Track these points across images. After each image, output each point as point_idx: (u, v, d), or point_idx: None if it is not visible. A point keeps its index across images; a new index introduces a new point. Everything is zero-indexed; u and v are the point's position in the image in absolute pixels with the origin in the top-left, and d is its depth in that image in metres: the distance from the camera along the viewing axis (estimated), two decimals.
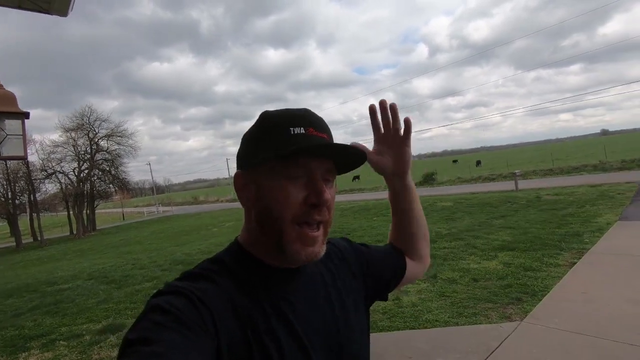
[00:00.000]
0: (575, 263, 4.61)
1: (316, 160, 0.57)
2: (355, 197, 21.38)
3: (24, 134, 1.62)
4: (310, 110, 0.61)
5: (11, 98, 1.57)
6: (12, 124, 1.56)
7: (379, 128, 0.74)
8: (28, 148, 2.22)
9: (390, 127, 0.73)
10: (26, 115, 1.64)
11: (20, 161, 22.08)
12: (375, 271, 0.76)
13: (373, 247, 0.82)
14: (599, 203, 8.88)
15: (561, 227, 6.81)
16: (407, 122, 0.72)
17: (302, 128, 0.57)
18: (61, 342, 4.00)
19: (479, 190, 15.89)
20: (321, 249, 0.59)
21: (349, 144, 0.61)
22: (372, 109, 0.72)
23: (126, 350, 0.43)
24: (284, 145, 0.56)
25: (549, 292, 3.75)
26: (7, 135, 1.54)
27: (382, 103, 0.72)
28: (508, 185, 15.87)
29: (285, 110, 0.60)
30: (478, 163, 40.69)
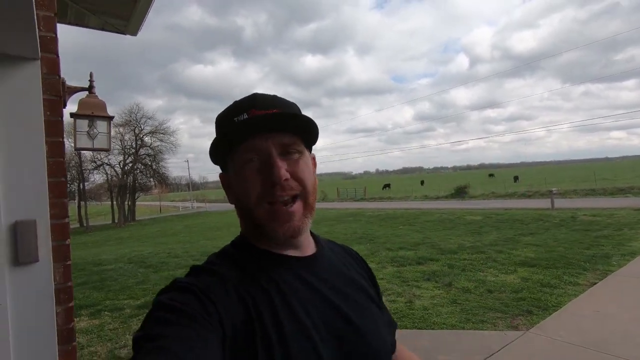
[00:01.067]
0: (595, 283, 4.58)
1: (261, 138, 0.56)
2: (384, 205, 21.43)
3: (109, 132, 2.13)
4: (258, 93, 0.60)
5: (102, 105, 2.09)
6: (101, 124, 2.06)
7: None
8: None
9: None
10: (111, 118, 2.16)
11: (74, 152, 24.11)
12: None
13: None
14: (639, 227, 8.49)
15: (591, 248, 6.64)
16: None
17: (244, 114, 0.57)
18: (106, 312, 4.54)
19: (513, 207, 15.43)
20: (302, 223, 0.58)
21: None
22: None
23: (134, 349, 0.45)
24: (229, 136, 0.57)
25: (561, 307, 3.81)
26: (98, 132, 2.04)
27: None
28: (544, 203, 15.32)
29: (232, 103, 0.61)
30: (516, 179, 39.25)
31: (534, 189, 23.44)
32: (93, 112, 2.06)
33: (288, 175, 0.56)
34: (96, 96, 2.18)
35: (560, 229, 9.10)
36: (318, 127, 0.61)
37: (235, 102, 0.60)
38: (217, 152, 0.61)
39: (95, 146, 2.15)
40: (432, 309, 4.01)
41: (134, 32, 2.37)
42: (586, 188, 20.93)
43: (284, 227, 0.56)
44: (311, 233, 0.67)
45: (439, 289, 4.73)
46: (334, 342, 0.54)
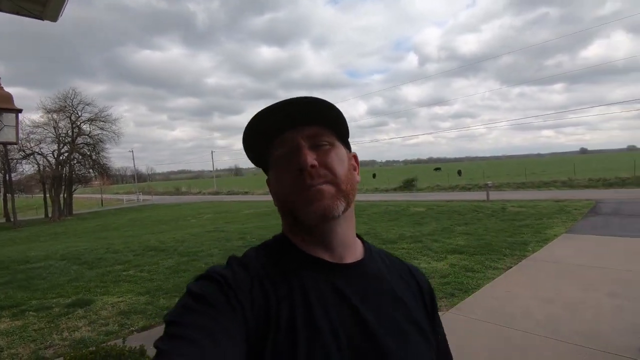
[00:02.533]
0: (511, 267, 5.13)
1: (291, 132, 0.59)
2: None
3: (16, 125, 2.00)
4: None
5: (8, 97, 1.96)
6: (8, 117, 1.93)
7: None
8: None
9: None
10: (19, 110, 2.04)
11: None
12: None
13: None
14: (555, 217, 9.48)
15: (513, 236, 7.36)
16: None
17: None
18: (31, 312, 4.26)
19: (454, 199, 16.53)
20: (334, 204, 0.57)
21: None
22: None
23: (165, 329, 0.47)
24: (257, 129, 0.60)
25: (479, 289, 4.24)
26: (4, 125, 1.92)
27: None
28: (481, 195, 16.53)
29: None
30: (459, 172, 41.78)
31: (473, 182, 25.21)
32: None
33: (315, 162, 0.56)
34: (2, 88, 2.03)
35: (491, 219, 9.94)
36: (346, 119, 0.62)
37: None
38: (254, 153, 0.63)
39: (1, 140, 2.02)
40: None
41: (53, 18, 2.24)
42: (518, 182, 22.90)
43: (315, 205, 0.55)
44: (362, 241, 0.66)
45: None
46: (350, 356, 0.52)
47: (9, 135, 2.01)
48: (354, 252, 0.62)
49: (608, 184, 18.33)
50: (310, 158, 0.56)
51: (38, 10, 2.11)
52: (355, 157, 0.67)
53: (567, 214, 9.85)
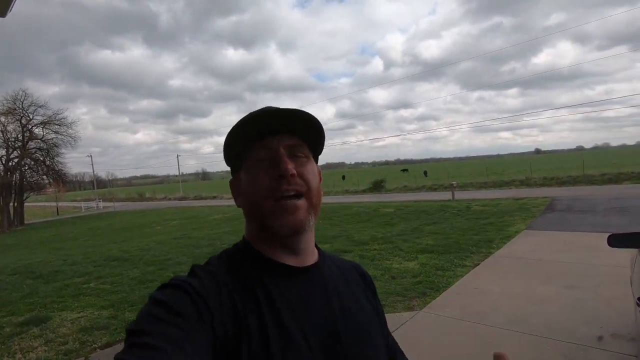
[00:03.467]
0: (478, 264, 5.33)
1: (272, 139, 0.60)
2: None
3: None
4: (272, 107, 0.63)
5: None
6: None
7: None
8: None
9: None
10: None
11: None
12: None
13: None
14: (516, 214, 9.97)
15: (479, 234, 7.66)
16: None
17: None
18: None
19: (421, 199, 16.97)
20: (306, 219, 0.59)
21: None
22: None
23: (125, 341, 0.46)
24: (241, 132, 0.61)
25: (449, 287, 4.36)
26: None
27: None
28: (447, 195, 17.08)
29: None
30: (425, 173, 43.04)
31: (439, 183, 26.06)
32: None
33: (294, 171, 0.58)
34: None
35: (457, 218, 10.30)
36: (324, 139, 0.66)
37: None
38: (231, 152, 0.64)
39: None
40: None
41: (1, 13, 2.07)
42: (480, 181, 23.93)
43: (288, 219, 0.57)
44: (316, 246, 0.69)
45: None
46: (321, 356, 0.55)
47: None
48: (313, 255, 0.66)
49: (561, 182, 19.57)
50: (291, 167, 0.58)
51: None
52: (319, 172, 0.69)
53: (526, 211, 10.37)
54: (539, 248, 6.01)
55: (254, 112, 0.62)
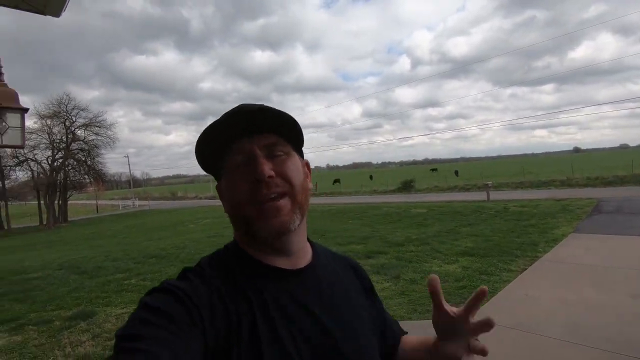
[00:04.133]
0: (525, 269, 5.02)
1: (246, 141, 0.58)
2: (335, 200, 21.73)
3: (22, 127, 1.82)
4: (244, 104, 0.59)
5: (13, 95, 1.76)
6: (12, 117, 1.75)
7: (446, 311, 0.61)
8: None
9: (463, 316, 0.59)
10: (25, 110, 1.84)
11: None
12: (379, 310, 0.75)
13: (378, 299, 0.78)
14: (560, 216, 9.43)
15: (521, 236, 7.27)
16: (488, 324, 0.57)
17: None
18: (30, 327, 4.07)
19: (454, 199, 16.46)
20: (291, 219, 0.57)
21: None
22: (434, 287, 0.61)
23: (115, 346, 0.45)
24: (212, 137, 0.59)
25: (496, 293, 4.11)
26: (9, 126, 1.73)
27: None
28: (481, 195, 16.48)
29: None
30: (456, 173, 41.87)
31: (472, 183, 25.20)
32: (1, 103, 1.74)
33: (272, 173, 0.56)
34: (5, 84, 1.84)
35: (495, 219, 9.86)
36: (301, 127, 0.62)
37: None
38: (205, 160, 0.62)
39: (5, 142, 1.83)
40: (382, 302, 4.12)
41: (55, 13, 2.09)
42: (516, 181, 22.92)
43: (272, 222, 0.56)
44: (310, 242, 0.67)
45: (387, 282, 4.88)
46: (313, 358, 0.54)
47: (14, 137, 1.82)
48: (306, 254, 0.64)
49: (606, 182, 18.35)
50: (267, 169, 0.56)
51: (40, 3, 1.96)
52: (307, 164, 0.67)
53: (570, 213, 9.79)
54: (591, 252, 5.60)
55: (221, 116, 0.59)
